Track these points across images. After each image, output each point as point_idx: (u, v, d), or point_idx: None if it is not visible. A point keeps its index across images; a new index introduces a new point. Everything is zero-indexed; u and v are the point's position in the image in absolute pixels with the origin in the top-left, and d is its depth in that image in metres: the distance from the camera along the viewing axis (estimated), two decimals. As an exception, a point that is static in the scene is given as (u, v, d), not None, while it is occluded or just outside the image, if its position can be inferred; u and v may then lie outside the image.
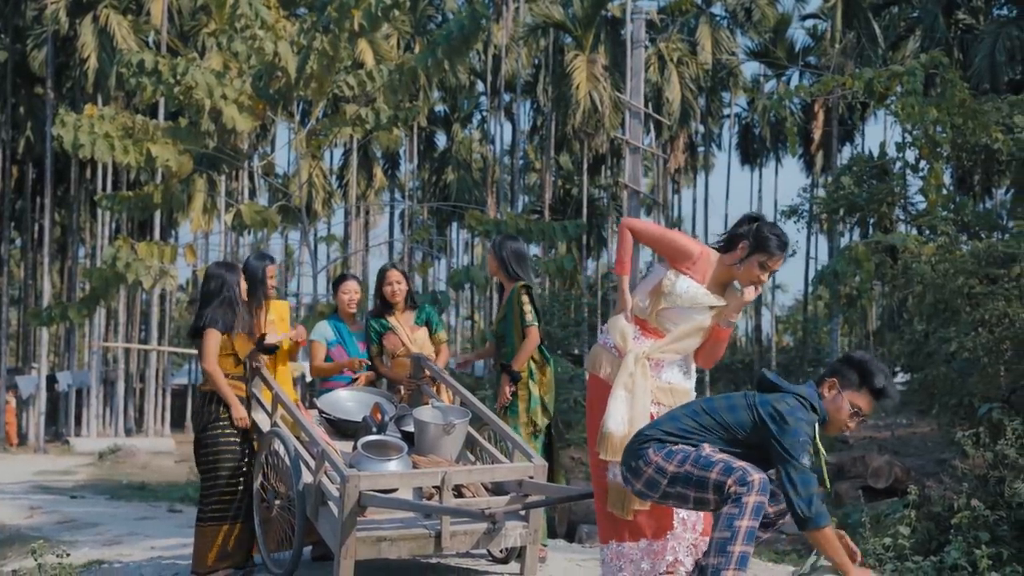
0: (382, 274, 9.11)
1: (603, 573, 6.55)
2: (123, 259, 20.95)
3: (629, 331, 6.47)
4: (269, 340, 8.28)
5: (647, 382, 6.33)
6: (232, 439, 8.10)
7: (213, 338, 8.04)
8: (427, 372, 8.80)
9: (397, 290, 9.00)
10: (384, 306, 9.02)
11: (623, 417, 6.24)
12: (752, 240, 6.30)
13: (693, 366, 6.68)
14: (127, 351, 47.78)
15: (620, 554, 6.41)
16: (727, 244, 6.45)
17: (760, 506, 5.36)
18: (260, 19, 20.75)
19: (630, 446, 5.81)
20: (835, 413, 5.67)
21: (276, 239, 53.54)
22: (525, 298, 8.50)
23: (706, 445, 5.60)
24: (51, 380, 46.75)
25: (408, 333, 8.98)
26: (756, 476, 5.39)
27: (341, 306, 9.21)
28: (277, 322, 8.79)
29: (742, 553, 5.32)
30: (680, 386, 6.51)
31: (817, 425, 5.60)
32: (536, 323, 8.52)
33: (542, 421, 8.59)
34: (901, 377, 31.92)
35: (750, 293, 6.43)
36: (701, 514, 6.24)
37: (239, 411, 8.07)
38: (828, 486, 5.67)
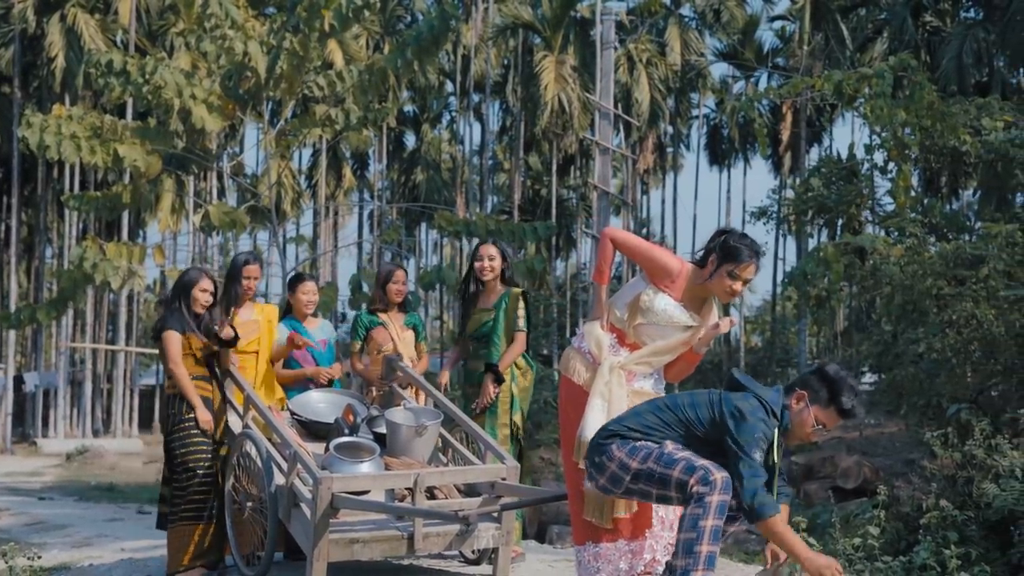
0: (389, 273, 9.16)
1: (579, 574, 6.55)
2: (90, 259, 20.86)
3: (605, 340, 6.47)
4: (223, 333, 8.22)
5: (623, 391, 6.35)
6: (199, 439, 8.09)
7: (173, 340, 8.06)
8: (399, 373, 8.82)
9: (401, 290, 9.12)
10: (382, 303, 9.07)
11: (599, 425, 6.24)
12: (720, 251, 6.32)
13: (663, 377, 6.72)
14: (94, 352, 47.52)
15: (597, 555, 6.42)
16: (702, 259, 6.47)
17: (723, 504, 5.41)
18: (230, 19, 20.69)
19: (594, 440, 5.85)
20: (799, 426, 5.71)
21: (245, 240, 53.30)
22: (522, 303, 8.68)
23: (668, 442, 5.65)
24: (18, 381, 46.49)
25: (398, 332, 9.03)
26: (719, 475, 5.42)
27: (298, 306, 9.15)
28: (264, 324, 8.78)
29: (709, 553, 5.36)
30: (651, 392, 6.52)
31: (777, 432, 5.65)
32: (527, 329, 8.69)
33: (520, 423, 8.72)
34: (869, 378, 32.07)
35: (725, 324, 6.44)
36: (679, 512, 6.26)
37: (203, 413, 8.08)
38: (774, 489, 5.70)
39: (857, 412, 5.76)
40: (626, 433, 5.73)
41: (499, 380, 8.55)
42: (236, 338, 8.24)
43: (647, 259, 6.54)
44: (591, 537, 6.45)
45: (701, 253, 6.54)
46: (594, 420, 6.26)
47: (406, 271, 9.38)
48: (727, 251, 6.30)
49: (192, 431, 8.08)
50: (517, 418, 8.70)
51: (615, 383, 6.35)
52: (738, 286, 6.34)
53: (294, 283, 9.30)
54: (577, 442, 6.33)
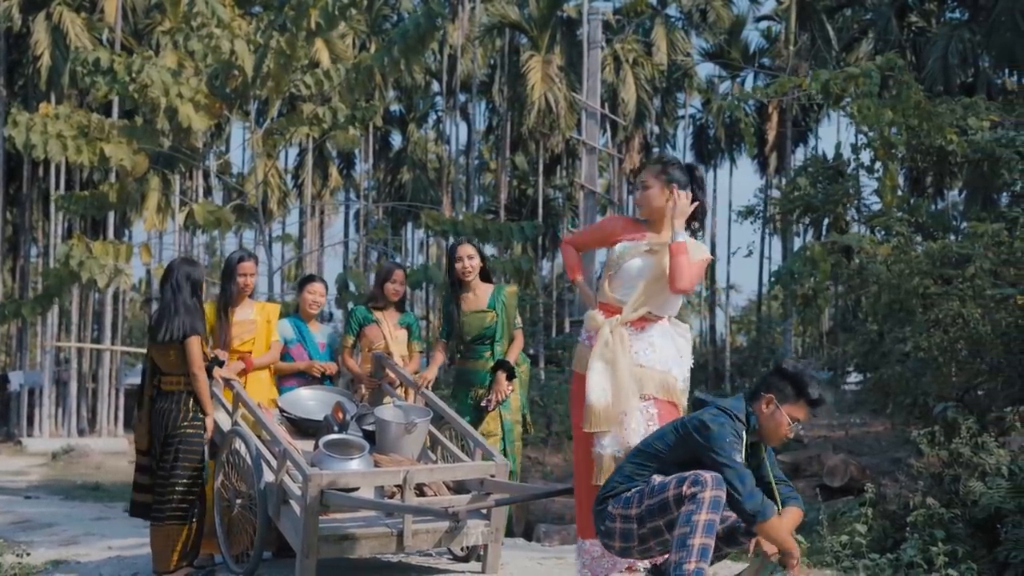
0: (388, 272, 9.24)
1: (587, 563, 6.53)
2: (76, 257, 20.83)
3: (599, 318, 6.45)
4: (218, 354, 8.32)
5: (625, 347, 6.31)
6: (200, 441, 8.08)
7: (198, 345, 8.02)
8: (388, 371, 8.83)
9: (399, 290, 9.18)
10: (379, 300, 9.09)
11: (603, 388, 6.26)
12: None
13: (685, 340, 6.63)
14: (80, 351, 47.39)
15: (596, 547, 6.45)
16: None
17: (717, 500, 5.43)
18: (216, 17, 20.66)
19: (596, 512, 5.88)
20: (775, 429, 5.75)
21: (231, 239, 53.23)
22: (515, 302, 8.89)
23: (654, 476, 5.70)
24: (3, 380, 46.39)
25: (392, 330, 9.05)
26: (708, 475, 5.46)
27: (303, 305, 9.24)
28: (261, 324, 8.79)
29: (702, 545, 5.38)
30: (671, 376, 6.45)
31: (745, 434, 5.70)
32: (522, 327, 8.96)
33: (529, 418, 8.99)
34: (854, 377, 32.10)
35: (681, 199, 6.44)
36: None
37: (212, 421, 8.08)
38: (777, 499, 5.75)
39: (824, 399, 5.80)
40: (615, 491, 5.79)
41: (512, 376, 8.63)
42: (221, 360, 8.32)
43: (596, 234, 6.83)
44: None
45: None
46: (596, 383, 6.27)
47: (406, 271, 9.42)
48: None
49: (199, 431, 8.06)
50: (527, 413, 8.91)
51: (616, 343, 6.32)
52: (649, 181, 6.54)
53: (303, 283, 9.42)
54: (586, 408, 6.30)
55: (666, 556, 5.68)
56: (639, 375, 6.35)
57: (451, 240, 42.72)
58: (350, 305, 9.47)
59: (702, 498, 5.40)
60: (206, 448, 8.12)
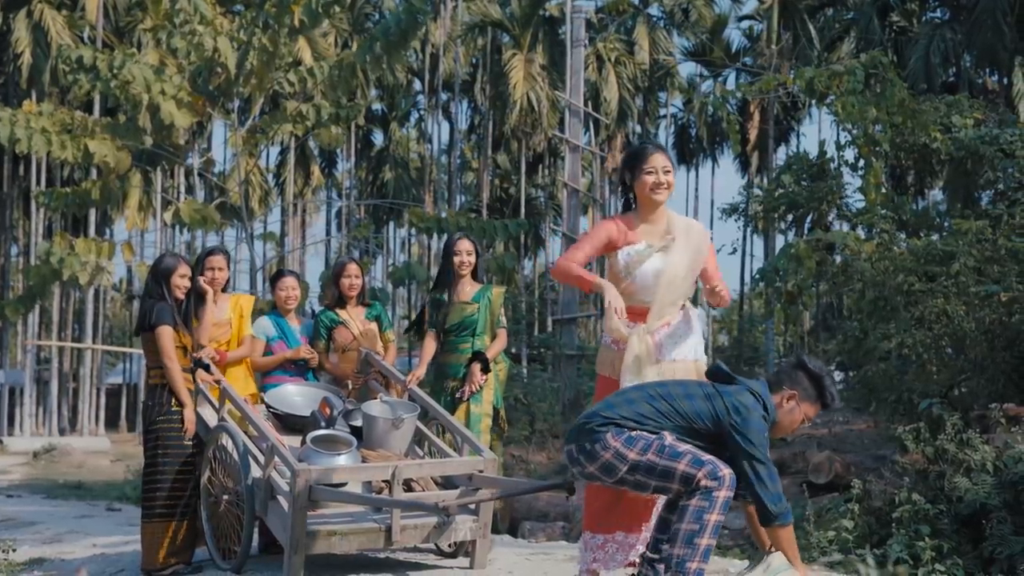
0: (340, 267, 9.11)
1: (597, 558, 6.50)
2: (58, 255, 20.77)
3: (624, 329, 6.31)
4: (203, 356, 8.30)
5: (651, 360, 6.25)
6: (178, 435, 8.05)
7: (167, 335, 8.00)
8: (374, 367, 8.81)
9: (354, 284, 9.03)
10: (338, 299, 9.03)
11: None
12: (624, 164, 6.50)
13: (700, 321, 6.64)
14: (60, 350, 47.26)
15: (604, 543, 6.43)
16: (624, 196, 6.60)
17: (728, 502, 5.41)
18: (199, 14, 20.61)
19: (584, 426, 5.69)
20: (790, 423, 5.74)
21: (213, 237, 53.09)
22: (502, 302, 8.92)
23: (667, 433, 5.55)
24: (-17, 379, 46.26)
25: (359, 327, 8.98)
26: (726, 471, 5.41)
27: (279, 302, 9.16)
28: (236, 319, 8.77)
29: (707, 546, 5.37)
30: (682, 362, 6.42)
31: (766, 423, 5.67)
32: (506, 327, 8.97)
33: (504, 415, 8.95)
34: (837, 376, 32.13)
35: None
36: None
37: (191, 413, 8.04)
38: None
39: (836, 405, 5.80)
40: (620, 421, 5.60)
41: (486, 369, 8.59)
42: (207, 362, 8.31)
43: (597, 247, 6.52)
44: (602, 528, 6.40)
45: (622, 193, 6.62)
46: None
47: (359, 264, 9.27)
48: (631, 158, 6.44)
49: (175, 425, 8.04)
50: (501, 409, 8.83)
51: (644, 355, 6.25)
52: (660, 178, 6.41)
53: (274, 280, 9.28)
54: None
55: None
56: (674, 370, 6.31)
57: (435, 237, 42.71)
58: (316, 309, 9.32)
59: (716, 497, 5.36)
60: (191, 442, 8.08)
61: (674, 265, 6.39)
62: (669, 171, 6.46)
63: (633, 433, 5.56)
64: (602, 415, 5.67)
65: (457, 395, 8.61)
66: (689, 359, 6.43)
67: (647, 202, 6.47)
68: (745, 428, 5.49)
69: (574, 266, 6.45)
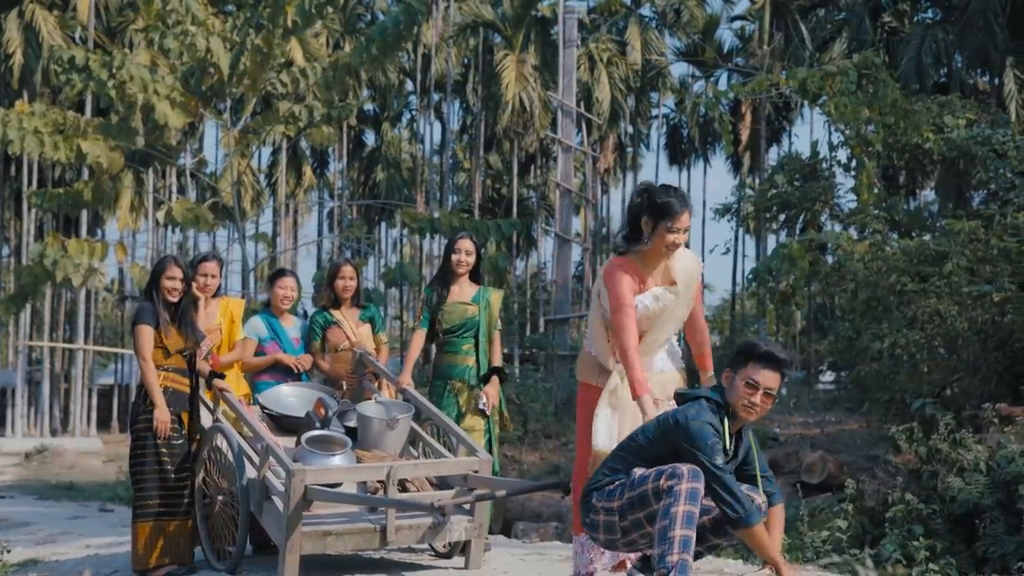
0: (336, 268, 9.08)
1: (594, 559, 6.58)
2: (51, 256, 20.75)
3: (615, 376, 6.48)
4: (202, 346, 8.29)
5: (628, 395, 6.32)
6: (149, 435, 7.97)
7: (144, 334, 7.97)
8: (369, 368, 8.80)
9: (349, 285, 8.98)
10: (333, 300, 9.01)
11: (610, 434, 6.31)
12: (649, 212, 6.36)
13: (677, 347, 6.80)
14: (52, 351, 47.17)
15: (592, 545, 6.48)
16: (631, 231, 6.47)
17: (695, 492, 5.46)
18: (191, 15, 20.61)
19: (582, 504, 5.93)
20: (735, 399, 5.73)
21: (204, 238, 53.05)
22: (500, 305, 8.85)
23: (636, 469, 5.71)
24: (-26, 380, 46.23)
25: (353, 328, 8.96)
26: (684, 467, 5.49)
27: (275, 301, 9.11)
28: (227, 324, 8.75)
29: (683, 537, 5.41)
30: (669, 372, 6.63)
31: (727, 420, 5.71)
32: (500, 329, 8.93)
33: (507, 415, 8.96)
34: (829, 376, 32.16)
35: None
36: None
37: (162, 413, 7.94)
38: (759, 486, 5.80)
39: (777, 352, 5.75)
40: (599, 484, 5.81)
41: (503, 381, 8.71)
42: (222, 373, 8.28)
43: (632, 302, 6.44)
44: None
45: (627, 228, 6.53)
46: (601, 429, 6.35)
47: (355, 266, 9.25)
48: (657, 209, 6.34)
49: (148, 428, 7.97)
50: (504, 411, 8.82)
51: (622, 390, 6.37)
52: (680, 238, 6.39)
53: (274, 278, 9.24)
54: (593, 452, 6.36)
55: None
56: (664, 380, 6.51)
57: (428, 238, 42.70)
58: (311, 310, 9.26)
59: (679, 491, 5.42)
60: (183, 442, 8.06)
61: (672, 311, 6.57)
62: (688, 230, 6.49)
63: (610, 487, 5.76)
64: (587, 487, 5.92)
65: (480, 406, 8.54)
66: (675, 369, 6.69)
67: (657, 253, 6.47)
68: (686, 437, 5.60)
69: (633, 354, 6.30)
